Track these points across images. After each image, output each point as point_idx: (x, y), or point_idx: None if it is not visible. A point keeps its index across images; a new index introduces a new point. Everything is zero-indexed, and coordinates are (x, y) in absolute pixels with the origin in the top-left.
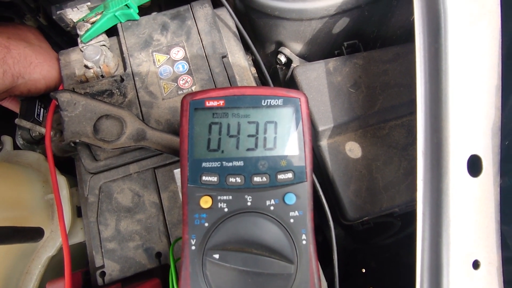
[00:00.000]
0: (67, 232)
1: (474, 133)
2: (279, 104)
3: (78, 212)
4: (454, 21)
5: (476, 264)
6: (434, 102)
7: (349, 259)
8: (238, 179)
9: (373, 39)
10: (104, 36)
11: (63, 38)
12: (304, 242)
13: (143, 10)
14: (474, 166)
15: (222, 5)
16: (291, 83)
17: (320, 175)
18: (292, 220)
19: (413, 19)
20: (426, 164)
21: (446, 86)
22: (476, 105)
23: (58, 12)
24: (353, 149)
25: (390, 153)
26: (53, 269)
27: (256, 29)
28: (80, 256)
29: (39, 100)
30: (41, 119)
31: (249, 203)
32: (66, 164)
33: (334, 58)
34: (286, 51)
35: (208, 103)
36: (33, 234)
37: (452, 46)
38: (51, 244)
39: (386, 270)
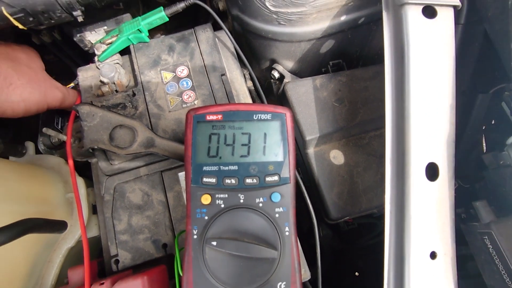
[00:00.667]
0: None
1: (431, 144)
2: (268, 118)
3: (93, 209)
4: (415, 51)
5: (433, 255)
6: (399, 118)
7: (338, 259)
8: (233, 181)
9: (356, 59)
10: (118, 55)
11: (75, 52)
12: (287, 233)
13: (151, 32)
14: (432, 172)
15: (222, 28)
16: (283, 97)
17: (307, 180)
18: (277, 215)
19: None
20: (392, 170)
21: (408, 104)
22: (434, 121)
23: (78, 35)
24: (337, 157)
25: (369, 160)
26: (71, 259)
27: (252, 48)
28: (94, 248)
29: (57, 111)
30: (60, 127)
31: (241, 200)
32: (83, 168)
33: (321, 76)
34: (279, 67)
35: (209, 117)
36: (59, 226)
37: (414, 71)
38: (71, 237)
39: (372, 270)
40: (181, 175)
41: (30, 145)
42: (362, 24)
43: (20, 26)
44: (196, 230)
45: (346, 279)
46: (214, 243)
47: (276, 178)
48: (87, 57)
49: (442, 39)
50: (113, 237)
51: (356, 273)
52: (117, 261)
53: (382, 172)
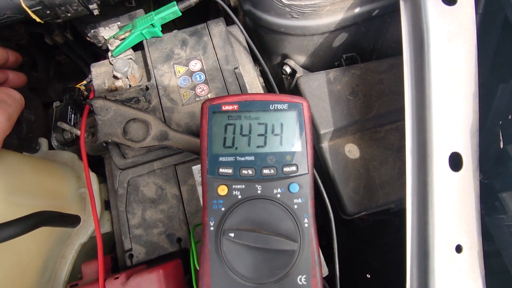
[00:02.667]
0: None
1: (454, 133)
2: (285, 108)
3: (105, 205)
4: (435, 39)
5: (459, 248)
6: (420, 107)
7: (352, 257)
8: (250, 171)
9: (370, 52)
10: (131, 50)
11: (86, 52)
12: (306, 225)
13: (164, 27)
14: (455, 162)
15: (234, 22)
16: (296, 91)
17: (321, 174)
18: (296, 206)
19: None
20: (413, 161)
21: (429, 93)
22: (456, 109)
23: (92, 31)
24: (352, 151)
25: (385, 154)
26: (84, 255)
27: (264, 43)
28: (106, 245)
29: (70, 108)
30: (72, 124)
31: (259, 191)
32: (95, 164)
33: (334, 69)
34: (291, 62)
35: (224, 107)
36: (73, 220)
37: (434, 60)
38: (83, 232)
39: (388, 269)
40: (195, 168)
41: (43, 141)
42: (376, 16)
43: (38, 19)
44: (213, 222)
45: (360, 278)
46: (232, 234)
47: (294, 168)
48: (98, 57)
49: (463, 25)
50: (127, 231)
51: (368, 275)
52: (131, 256)
53: (400, 166)
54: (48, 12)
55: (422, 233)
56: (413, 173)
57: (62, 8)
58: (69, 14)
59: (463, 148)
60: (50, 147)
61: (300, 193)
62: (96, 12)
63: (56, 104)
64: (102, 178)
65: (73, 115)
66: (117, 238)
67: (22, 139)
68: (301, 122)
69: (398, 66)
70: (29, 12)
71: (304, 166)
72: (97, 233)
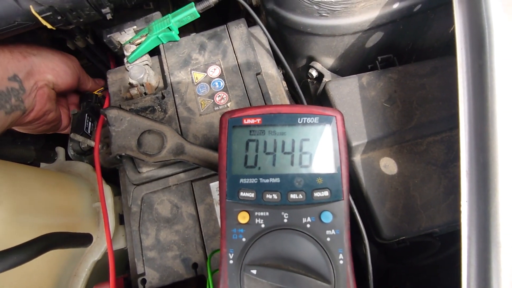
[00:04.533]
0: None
1: None
2: (315, 122)
3: (120, 219)
4: (500, 36)
5: None
6: (479, 120)
7: (382, 279)
8: (275, 196)
9: (408, 53)
10: (147, 56)
11: (107, 56)
12: (341, 262)
13: (184, 29)
14: None
15: (256, 23)
16: (323, 98)
17: (353, 191)
18: (328, 239)
19: (452, 32)
20: (471, 185)
21: (492, 103)
22: None
23: (108, 36)
24: (388, 165)
25: (428, 170)
26: (98, 273)
27: (288, 45)
28: (121, 261)
29: (87, 115)
30: (89, 132)
31: (285, 220)
32: (111, 173)
33: (368, 73)
34: (318, 65)
35: (246, 121)
36: (85, 240)
37: (499, 62)
38: (97, 249)
39: None
40: (213, 185)
41: (60, 151)
42: (417, 13)
43: (49, 26)
44: (233, 254)
45: None
46: (254, 271)
47: (326, 193)
48: (120, 61)
49: None
50: (140, 253)
51: None
52: (144, 281)
53: (446, 185)
54: (59, 18)
55: (483, 274)
56: (470, 200)
57: (74, 13)
58: (81, 20)
59: None
60: (67, 157)
61: (334, 223)
62: (109, 17)
63: (73, 111)
64: (118, 189)
65: (90, 123)
66: (130, 258)
67: (40, 150)
68: (335, 138)
69: (443, 68)
70: (40, 18)
71: (338, 191)
72: (110, 258)
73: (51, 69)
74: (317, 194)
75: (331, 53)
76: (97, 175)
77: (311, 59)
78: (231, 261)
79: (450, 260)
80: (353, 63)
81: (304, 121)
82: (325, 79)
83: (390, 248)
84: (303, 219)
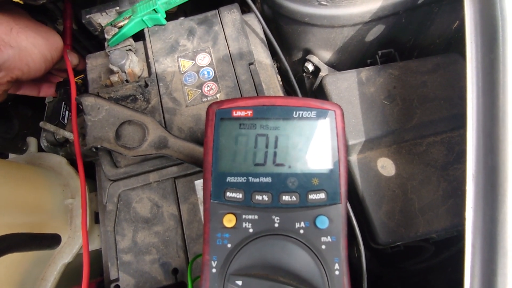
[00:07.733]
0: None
1: None
2: (312, 116)
3: (96, 218)
4: None
5: None
6: (488, 119)
7: (373, 282)
8: (265, 197)
9: (410, 48)
10: (131, 40)
11: (92, 43)
12: (337, 272)
13: (169, 16)
14: None
15: (250, 11)
16: (319, 93)
17: (348, 193)
18: (324, 247)
19: (455, 29)
20: (477, 190)
21: (504, 101)
22: None
23: (87, 16)
24: (386, 166)
25: (427, 172)
26: (68, 276)
27: (283, 36)
28: (96, 264)
29: (64, 103)
30: (65, 121)
31: (276, 225)
32: (87, 167)
33: (367, 68)
34: (314, 59)
35: (235, 113)
36: (50, 241)
37: None
38: (68, 251)
39: None
40: (198, 183)
41: (32, 141)
42: (421, 5)
43: None
44: (216, 262)
45: None
46: (239, 282)
47: (322, 195)
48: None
49: None
50: (114, 256)
51: None
52: (117, 287)
53: (445, 188)
54: None
55: (487, 285)
56: (476, 205)
57: None
58: None
59: None
60: (40, 148)
61: (330, 229)
62: None
63: (48, 99)
64: (94, 184)
65: (67, 112)
66: (104, 262)
67: (10, 139)
68: (333, 135)
69: (446, 66)
70: None
71: (335, 193)
72: (84, 260)
73: (24, 64)
74: (312, 196)
75: (329, 46)
76: (79, 169)
77: (308, 52)
78: (214, 270)
79: (442, 265)
80: (351, 58)
81: (300, 115)
82: (321, 74)
83: (383, 252)
84: (296, 224)
